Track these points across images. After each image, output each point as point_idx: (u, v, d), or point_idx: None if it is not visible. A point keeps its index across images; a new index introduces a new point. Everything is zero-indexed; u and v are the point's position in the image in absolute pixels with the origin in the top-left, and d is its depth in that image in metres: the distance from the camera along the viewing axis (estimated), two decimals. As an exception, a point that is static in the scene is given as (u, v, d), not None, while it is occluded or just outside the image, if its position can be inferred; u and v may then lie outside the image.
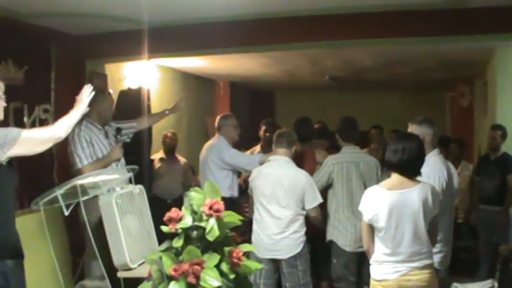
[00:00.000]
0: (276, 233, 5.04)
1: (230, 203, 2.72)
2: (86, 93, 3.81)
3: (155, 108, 8.11)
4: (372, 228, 3.90)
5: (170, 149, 7.95)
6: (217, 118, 6.24)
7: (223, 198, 2.78)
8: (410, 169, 3.85)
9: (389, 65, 9.53)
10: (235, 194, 5.87)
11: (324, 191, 5.38)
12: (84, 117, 5.24)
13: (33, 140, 3.41)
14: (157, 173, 7.71)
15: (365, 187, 5.19)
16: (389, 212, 3.76)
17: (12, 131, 3.33)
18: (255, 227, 5.16)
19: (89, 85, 3.86)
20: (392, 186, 3.83)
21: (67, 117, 3.64)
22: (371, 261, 3.96)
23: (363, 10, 5.81)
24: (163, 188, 7.59)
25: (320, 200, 5.13)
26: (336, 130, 5.57)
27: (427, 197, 3.82)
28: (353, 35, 6.14)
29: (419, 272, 3.81)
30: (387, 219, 3.77)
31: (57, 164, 6.38)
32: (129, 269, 4.12)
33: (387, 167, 4.00)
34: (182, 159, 8.11)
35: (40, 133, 3.54)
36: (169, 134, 7.96)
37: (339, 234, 5.32)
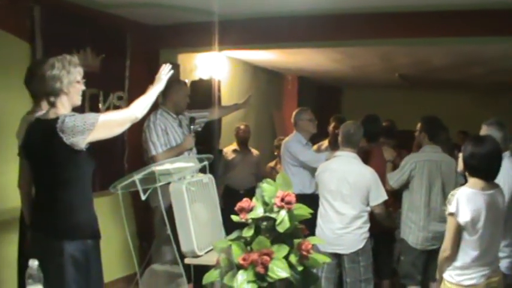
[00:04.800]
0: (339, 228, 5.04)
1: (300, 199, 2.72)
2: (165, 72, 3.80)
3: (225, 99, 8.19)
4: (460, 232, 3.71)
5: (243, 141, 8.02)
6: (293, 114, 6.31)
7: (293, 194, 2.79)
8: (493, 174, 3.74)
9: (462, 65, 9.35)
10: (307, 190, 5.87)
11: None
12: (160, 105, 5.37)
13: (110, 123, 3.46)
14: (230, 164, 7.80)
15: (443, 188, 5.15)
16: (486, 213, 3.62)
17: (90, 116, 3.39)
18: (319, 221, 5.16)
19: (168, 64, 3.85)
20: (483, 188, 3.69)
21: (144, 97, 3.65)
22: (453, 266, 3.75)
23: (437, 8, 5.74)
24: (236, 179, 7.70)
25: (385, 197, 5.10)
26: (421, 128, 5.50)
27: (504, 199, 3.79)
28: (426, 33, 6.08)
29: (497, 274, 3.76)
30: (484, 221, 3.63)
31: (128, 150, 6.53)
32: (197, 256, 4.19)
33: (469, 173, 3.78)
34: (255, 151, 8.18)
35: (117, 115, 3.60)
36: (242, 126, 8.02)
37: (410, 232, 5.31)
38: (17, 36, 5.24)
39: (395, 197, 5.55)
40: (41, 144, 3.39)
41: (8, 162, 4.51)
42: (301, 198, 2.77)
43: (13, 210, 4.58)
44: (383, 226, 5.37)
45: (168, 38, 7.03)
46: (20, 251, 4.24)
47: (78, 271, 3.36)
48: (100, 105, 6.04)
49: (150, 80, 3.88)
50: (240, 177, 7.74)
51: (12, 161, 4.18)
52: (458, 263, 3.73)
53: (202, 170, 4.56)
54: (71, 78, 3.43)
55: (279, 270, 2.58)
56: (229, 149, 7.98)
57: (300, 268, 2.69)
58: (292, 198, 2.66)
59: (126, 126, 3.55)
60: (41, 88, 3.45)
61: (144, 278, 4.91)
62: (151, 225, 5.58)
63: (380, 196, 5.07)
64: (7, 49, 5.16)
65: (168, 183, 4.30)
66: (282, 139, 6.84)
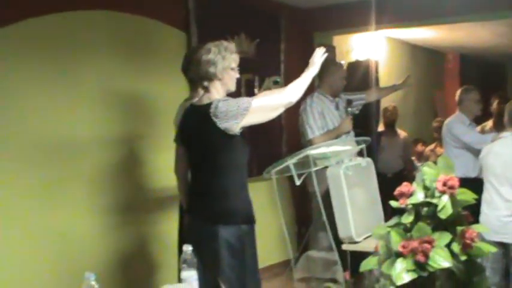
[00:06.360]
0: (506, 215, 4.70)
1: (463, 183, 2.57)
2: (318, 55, 3.64)
3: (383, 80, 8.03)
4: None
5: (390, 123, 7.88)
6: (458, 92, 6.04)
7: (455, 178, 2.65)
8: None
9: None
10: (471, 174, 5.56)
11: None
12: (316, 88, 5.33)
13: (264, 108, 3.40)
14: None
15: None
16: None
17: (243, 100, 3.35)
18: (483, 207, 4.87)
19: (322, 47, 3.70)
20: None
21: (298, 81, 3.54)
22: None
23: None
24: (383, 162, 7.42)
25: (557, 182, 4.74)
26: None
27: None
28: None
29: None
30: None
31: (286, 134, 6.56)
32: (354, 242, 4.11)
33: None
34: (402, 133, 7.98)
35: (270, 99, 3.48)
36: (389, 108, 7.87)
37: None
38: (173, 26, 5.41)
39: None
40: (196, 130, 3.44)
41: (168, 148, 4.64)
42: (464, 182, 2.62)
43: (169, 189, 4.78)
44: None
45: (322, 20, 6.98)
46: (179, 235, 4.35)
47: (233, 256, 3.38)
48: (256, 90, 6.10)
49: (306, 63, 3.75)
50: (388, 161, 7.55)
51: (170, 147, 4.29)
52: None
53: (361, 153, 4.47)
54: (226, 64, 3.43)
55: (441, 260, 2.45)
56: None
57: (463, 257, 2.53)
58: (456, 183, 2.51)
59: (280, 110, 3.48)
60: (196, 73, 3.48)
61: (300, 264, 4.92)
62: (309, 210, 5.56)
63: None
64: (164, 39, 5.36)
65: (325, 168, 4.24)
66: (441, 120, 6.59)
